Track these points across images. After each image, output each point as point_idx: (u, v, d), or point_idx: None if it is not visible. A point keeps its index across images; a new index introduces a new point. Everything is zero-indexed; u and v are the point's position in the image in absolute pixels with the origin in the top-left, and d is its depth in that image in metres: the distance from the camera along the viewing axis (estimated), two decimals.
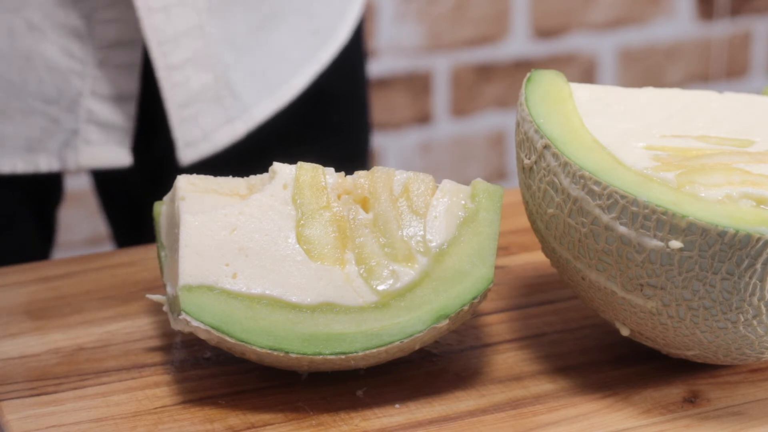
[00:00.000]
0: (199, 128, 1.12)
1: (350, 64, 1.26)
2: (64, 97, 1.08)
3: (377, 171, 0.86)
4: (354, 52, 1.26)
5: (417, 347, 0.82)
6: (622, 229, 0.78)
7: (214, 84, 1.11)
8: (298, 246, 0.83)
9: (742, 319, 0.79)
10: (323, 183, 0.85)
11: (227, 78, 1.12)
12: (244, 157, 1.16)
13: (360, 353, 0.80)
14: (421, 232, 0.84)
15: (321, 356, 0.80)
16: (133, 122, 1.11)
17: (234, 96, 1.13)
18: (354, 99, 1.29)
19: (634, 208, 0.78)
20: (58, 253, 1.47)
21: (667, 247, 0.77)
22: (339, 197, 0.85)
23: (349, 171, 0.86)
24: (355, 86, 1.29)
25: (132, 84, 1.09)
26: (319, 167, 0.85)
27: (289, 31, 1.17)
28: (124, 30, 1.08)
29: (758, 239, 0.76)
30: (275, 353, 0.80)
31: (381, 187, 0.85)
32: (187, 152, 1.12)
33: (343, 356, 0.80)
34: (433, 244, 0.83)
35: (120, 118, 1.10)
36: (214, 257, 0.82)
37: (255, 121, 1.16)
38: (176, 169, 1.12)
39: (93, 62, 1.08)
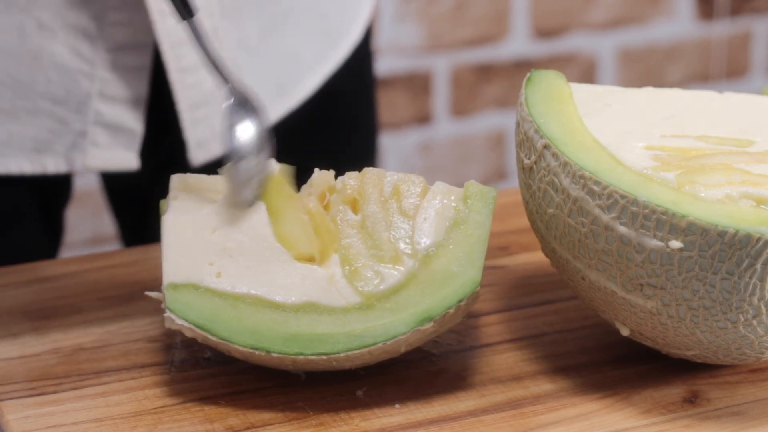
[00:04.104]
0: (210, 129, 1.12)
1: (360, 64, 1.26)
2: (73, 98, 1.08)
3: (368, 172, 0.85)
4: (364, 53, 1.26)
5: (402, 349, 0.82)
6: (622, 229, 0.78)
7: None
8: (279, 245, 0.83)
9: (742, 319, 0.79)
10: (288, 180, 0.85)
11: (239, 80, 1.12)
12: None
13: (342, 354, 0.80)
14: (410, 234, 0.84)
15: (302, 357, 0.80)
16: (142, 125, 1.10)
17: None
18: (363, 99, 1.29)
19: (634, 208, 0.78)
20: (61, 253, 1.47)
21: (667, 247, 0.77)
22: (323, 195, 0.85)
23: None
24: (365, 86, 1.29)
25: (141, 87, 1.09)
26: (285, 166, 0.85)
27: (300, 32, 1.17)
28: (134, 33, 1.07)
29: (758, 239, 0.76)
30: (257, 353, 0.80)
31: (371, 188, 0.85)
32: (198, 153, 1.12)
33: (324, 357, 0.80)
34: (422, 246, 0.83)
35: (129, 121, 1.10)
36: (198, 256, 0.82)
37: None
38: (184, 171, 1.12)
39: (102, 64, 1.07)
